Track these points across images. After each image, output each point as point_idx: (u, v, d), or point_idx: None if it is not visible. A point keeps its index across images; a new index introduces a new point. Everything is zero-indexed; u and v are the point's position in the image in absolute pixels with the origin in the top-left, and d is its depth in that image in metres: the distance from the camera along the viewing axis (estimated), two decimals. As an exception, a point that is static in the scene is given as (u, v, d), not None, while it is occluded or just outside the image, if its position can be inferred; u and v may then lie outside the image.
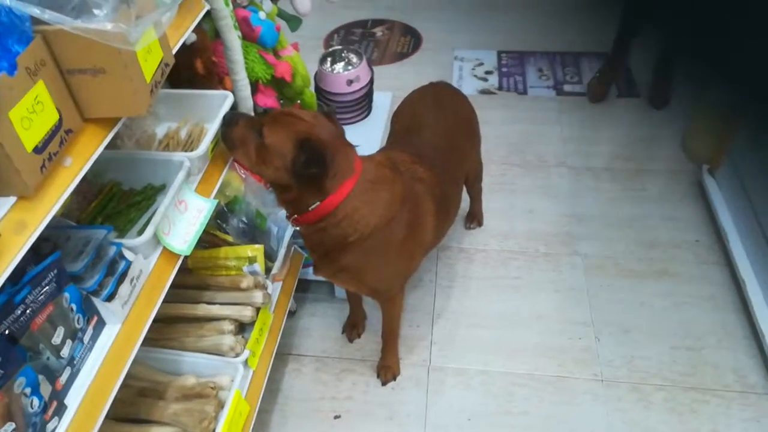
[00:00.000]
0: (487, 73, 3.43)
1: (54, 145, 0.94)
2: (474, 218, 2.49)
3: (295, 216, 1.49)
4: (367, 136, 2.56)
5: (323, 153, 1.36)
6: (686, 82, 3.01)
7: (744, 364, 1.94)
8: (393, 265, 1.65)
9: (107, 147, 1.41)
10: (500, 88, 3.31)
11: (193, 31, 1.48)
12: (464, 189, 2.32)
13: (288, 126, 1.40)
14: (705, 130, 2.72)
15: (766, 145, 2.18)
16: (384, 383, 1.93)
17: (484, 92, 3.26)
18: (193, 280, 1.69)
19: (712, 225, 2.39)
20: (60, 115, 0.95)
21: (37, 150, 0.90)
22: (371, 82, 2.68)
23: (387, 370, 1.94)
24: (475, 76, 3.40)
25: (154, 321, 1.31)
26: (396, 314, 1.85)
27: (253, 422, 1.59)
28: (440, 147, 1.82)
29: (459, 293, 2.23)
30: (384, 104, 2.82)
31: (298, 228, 1.54)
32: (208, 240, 1.74)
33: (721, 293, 2.17)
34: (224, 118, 1.46)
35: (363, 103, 2.67)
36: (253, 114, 1.73)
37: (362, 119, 2.70)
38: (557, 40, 3.62)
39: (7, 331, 0.96)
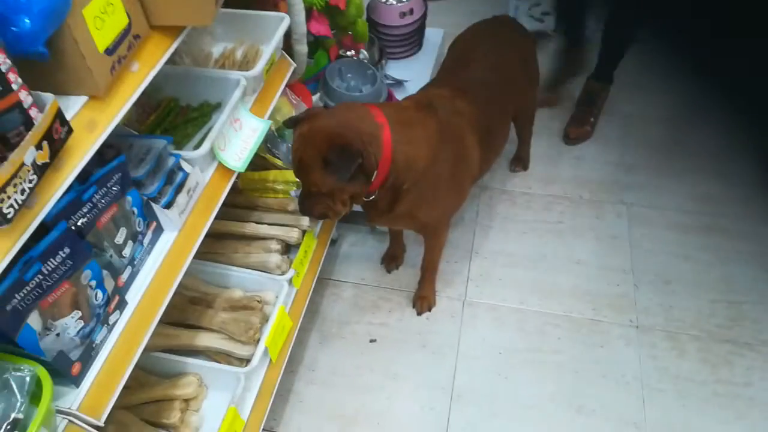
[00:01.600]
0: (544, 14, 3.30)
1: (123, 48, 0.97)
2: (520, 162, 2.47)
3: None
4: (416, 72, 2.54)
5: (349, 151, 1.35)
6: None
7: (785, 322, 1.92)
8: (444, 199, 1.68)
9: (166, 63, 1.44)
10: (557, 30, 3.19)
11: (252, -51, 1.47)
12: (512, 129, 2.30)
13: (311, 156, 1.39)
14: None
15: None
16: (419, 313, 1.98)
17: (540, 34, 3.14)
18: (242, 199, 1.75)
19: (766, 183, 2.32)
20: (129, 19, 0.97)
21: (108, 51, 0.93)
22: (424, 16, 2.63)
23: (423, 301, 1.99)
24: (532, 16, 3.27)
25: (206, 236, 1.37)
26: (439, 247, 1.88)
27: (294, 338, 1.66)
28: (487, 80, 1.80)
29: (498, 233, 2.24)
30: (435, 41, 2.77)
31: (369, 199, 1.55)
32: (258, 162, 1.78)
33: (769, 251, 2.13)
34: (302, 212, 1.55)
35: (414, 38, 2.63)
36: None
37: (412, 54, 2.66)
38: (620, -18, 3.44)
39: (74, 226, 1.03)
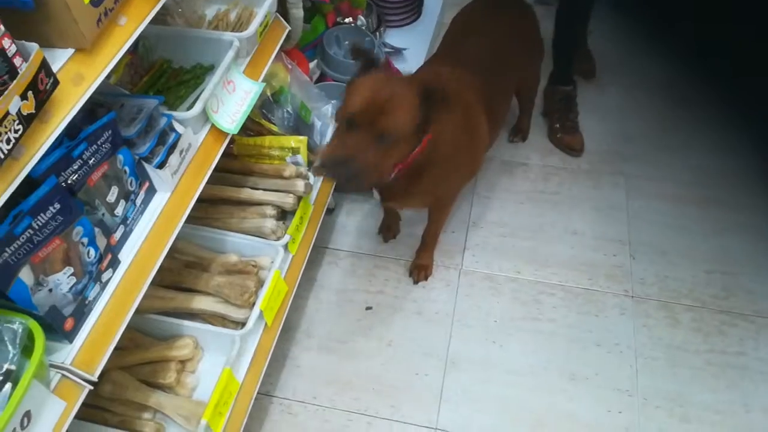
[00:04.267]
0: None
1: (110, 0, 0.95)
2: (519, 132, 2.45)
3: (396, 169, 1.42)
4: (415, 40, 2.52)
5: (436, 91, 1.30)
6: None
7: (780, 293, 1.92)
8: (460, 173, 1.70)
9: (158, 23, 1.43)
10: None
11: None
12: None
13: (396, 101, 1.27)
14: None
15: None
16: (416, 282, 1.99)
17: (541, 3, 3.09)
18: (238, 165, 1.74)
19: (764, 156, 2.30)
20: (116, -29, 0.96)
21: (94, 2, 0.91)
22: (424, -17, 2.59)
23: (421, 270, 1.99)
24: (533, -14, 3.22)
25: (200, 201, 1.36)
26: (445, 218, 1.89)
27: (289, 303, 1.67)
28: (487, 53, 1.78)
29: (496, 204, 2.23)
30: (434, 9, 2.74)
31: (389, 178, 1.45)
32: (253, 128, 1.77)
33: (765, 224, 2.12)
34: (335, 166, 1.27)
35: (413, 5, 2.59)
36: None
37: (411, 22, 2.63)
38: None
39: (65, 183, 1.02)
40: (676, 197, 2.22)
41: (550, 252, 2.07)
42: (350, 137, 1.26)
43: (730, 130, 2.44)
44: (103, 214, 1.10)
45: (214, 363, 1.46)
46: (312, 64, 2.19)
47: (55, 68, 0.89)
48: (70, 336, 1.02)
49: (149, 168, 1.19)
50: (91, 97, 0.97)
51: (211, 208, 1.68)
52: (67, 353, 1.01)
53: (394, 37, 2.53)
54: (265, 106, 1.81)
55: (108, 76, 1.14)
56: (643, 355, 1.80)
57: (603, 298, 1.94)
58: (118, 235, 1.14)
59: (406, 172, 1.46)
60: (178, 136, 1.25)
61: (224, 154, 1.44)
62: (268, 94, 1.79)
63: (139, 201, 1.19)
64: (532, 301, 1.94)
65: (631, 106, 2.56)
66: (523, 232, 2.14)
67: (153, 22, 1.11)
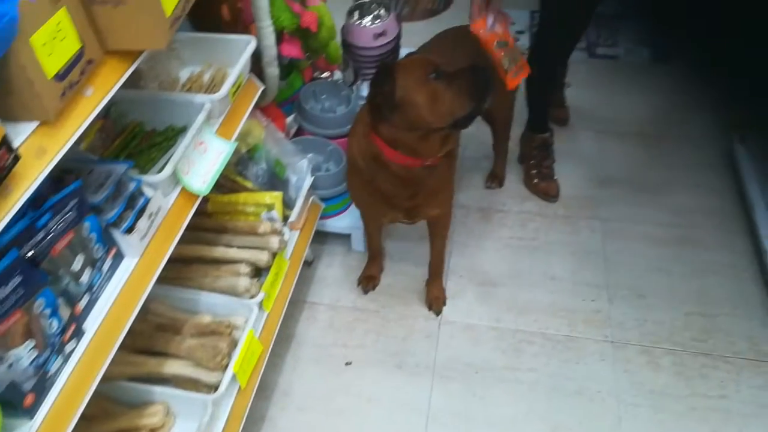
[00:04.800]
0: (519, 33, 3.35)
1: (75, 74, 0.96)
2: (495, 178, 2.48)
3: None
4: (390, 92, 2.55)
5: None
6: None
7: (759, 333, 1.92)
8: (451, 185, 1.80)
9: (131, 87, 1.44)
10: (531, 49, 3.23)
11: (218, -27, 1.48)
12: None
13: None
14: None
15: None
16: (438, 313, 2.01)
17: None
18: (212, 223, 1.73)
19: (739, 194, 2.34)
20: (82, 44, 0.97)
21: (58, 77, 0.92)
22: (398, 37, 2.65)
23: (438, 301, 2.02)
24: (505, 35, 3.32)
25: (174, 261, 1.35)
26: (446, 237, 1.97)
27: (265, 362, 1.64)
28: None
29: (474, 251, 2.24)
30: (409, 61, 2.79)
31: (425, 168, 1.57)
32: (228, 185, 1.78)
33: (742, 263, 2.13)
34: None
35: (388, 59, 2.64)
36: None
37: (386, 75, 2.67)
38: (592, 2, 3.51)
39: (28, 254, 1.01)
40: (652, 239, 2.24)
41: (530, 298, 2.07)
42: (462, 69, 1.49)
43: (704, 170, 2.48)
44: (67, 284, 1.09)
45: (186, 430, 1.42)
46: (289, 119, 2.21)
47: (18, 141, 0.89)
48: (30, 413, 0.99)
49: (117, 234, 1.18)
50: (59, 164, 0.96)
51: (184, 268, 1.66)
52: (27, 430, 0.98)
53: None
54: (240, 162, 1.82)
55: (78, 142, 1.14)
56: (625, 402, 1.78)
57: (583, 344, 1.93)
58: (83, 303, 1.12)
59: (430, 167, 1.57)
60: (147, 200, 1.24)
61: (198, 212, 1.43)
62: (244, 151, 1.80)
63: (105, 267, 1.17)
64: (512, 350, 1.92)
65: (605, 151, 2.61)
66: (501, 278, 2.14)
67: (125, 86, 1.12)
